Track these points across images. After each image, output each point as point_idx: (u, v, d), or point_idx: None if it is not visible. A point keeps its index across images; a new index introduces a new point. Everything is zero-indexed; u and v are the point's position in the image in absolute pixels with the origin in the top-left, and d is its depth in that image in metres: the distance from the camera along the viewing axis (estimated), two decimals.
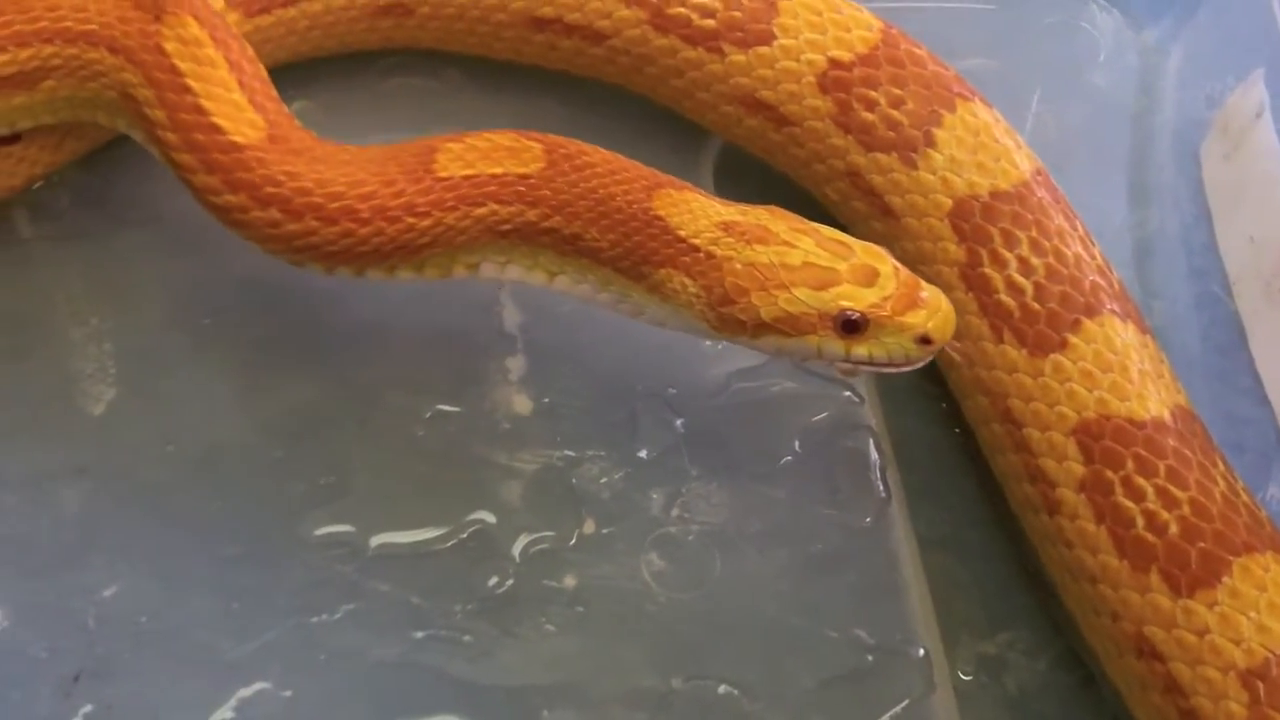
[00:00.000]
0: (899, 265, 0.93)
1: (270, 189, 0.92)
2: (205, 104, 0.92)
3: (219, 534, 0.94)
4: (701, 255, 0.91)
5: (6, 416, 0.96)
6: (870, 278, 0.91)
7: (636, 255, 0.92)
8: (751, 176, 1.06)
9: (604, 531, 0.96)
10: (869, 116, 1.02)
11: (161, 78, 0.92)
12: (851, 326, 0.90)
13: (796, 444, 1.00)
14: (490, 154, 0.94)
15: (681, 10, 1.05)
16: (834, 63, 1.03)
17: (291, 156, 0.92)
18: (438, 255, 0.95)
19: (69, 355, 0.98)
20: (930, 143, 1.01)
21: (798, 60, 1.04)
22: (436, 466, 0.97)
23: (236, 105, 0.93)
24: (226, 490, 0.95)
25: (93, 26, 0.94)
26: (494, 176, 0.93)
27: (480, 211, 0.93)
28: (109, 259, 1.02)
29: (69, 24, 0.94)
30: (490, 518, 0.95)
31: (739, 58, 1.04)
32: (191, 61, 0.92)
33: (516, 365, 1.01)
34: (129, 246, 1.02)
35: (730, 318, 0.91)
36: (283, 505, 0.95)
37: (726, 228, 0.92)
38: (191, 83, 0.92)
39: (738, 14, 1.04)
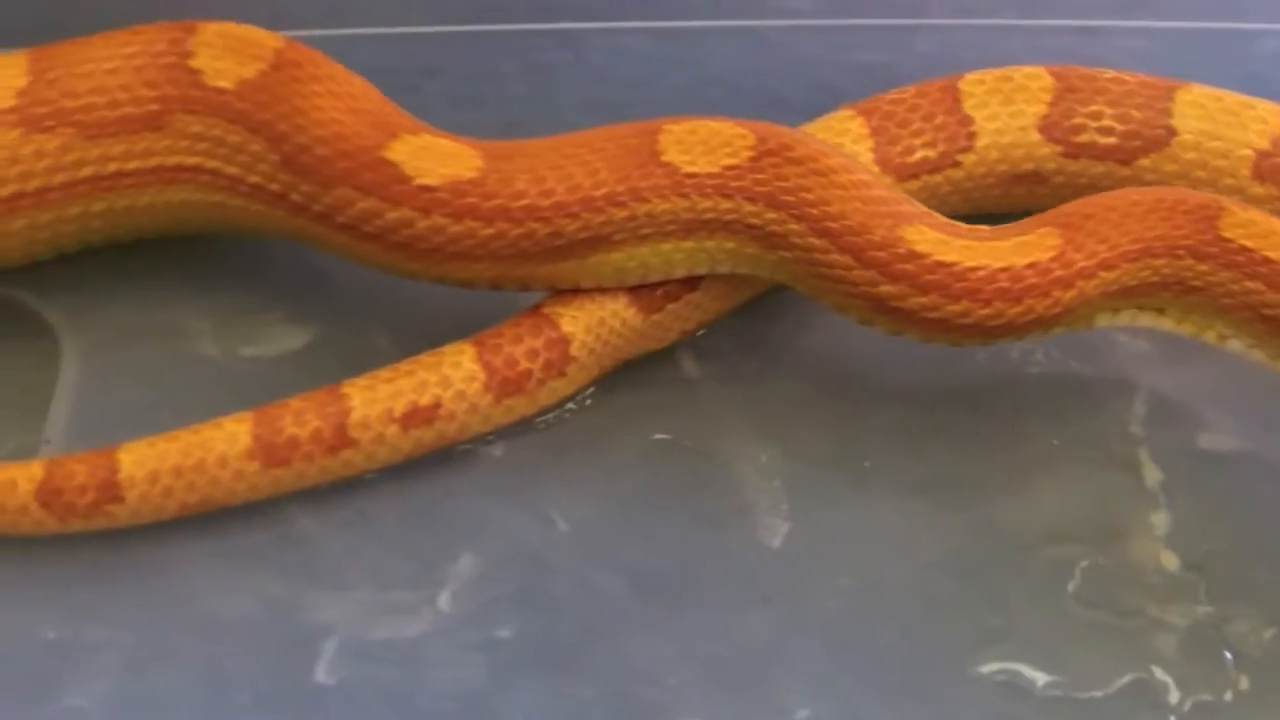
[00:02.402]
0: None
1: (1083, 282, 1.04)
2: (981, 263, 1.03)
3: (888, 664, 0.99)
4: None
5: (696, 544, 1.03)
6: None
7: None
8: None
9: (1259, 689, 0.98)
10: None
11: (931, 279, 1.03)
12: None
13: None
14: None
15: None
16: None
17: (1068, 248, 1.04)
18: (1200, 308, 1.06)
19: (743, 488, 1.06)
20: None
21: None
22: (1092, 615, 1.01)
23: (994, 250, 1.04)
24: (897, 624, 1.00)
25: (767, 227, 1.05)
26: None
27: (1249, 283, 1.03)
28: (768, 399, 1.10)
29: (711, 217, 1.04)
30: (1147, 669, 0.99)
31: None
32: (952, 253, 1.03)
33: (1160, 521, 1.04)
34: (786, 388, 1.10)
35: None
36: (951, 641, 0.99)
37: None
38: (947, 259, 1.03)
39: None
